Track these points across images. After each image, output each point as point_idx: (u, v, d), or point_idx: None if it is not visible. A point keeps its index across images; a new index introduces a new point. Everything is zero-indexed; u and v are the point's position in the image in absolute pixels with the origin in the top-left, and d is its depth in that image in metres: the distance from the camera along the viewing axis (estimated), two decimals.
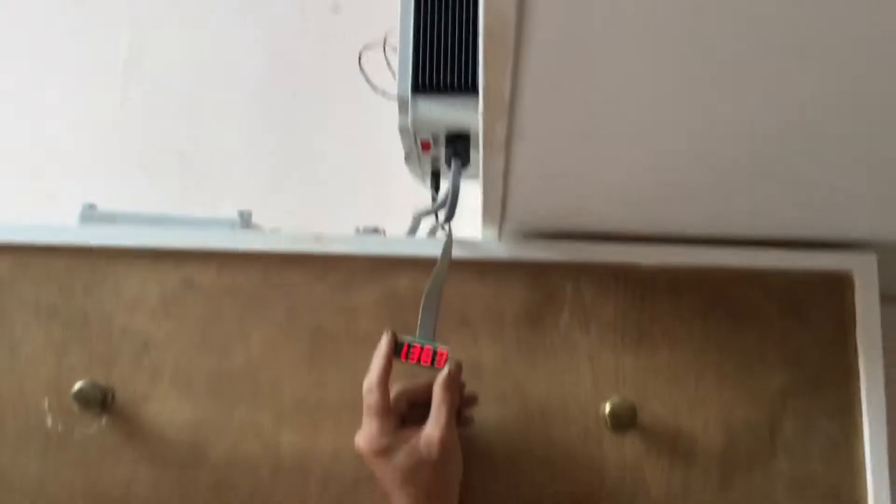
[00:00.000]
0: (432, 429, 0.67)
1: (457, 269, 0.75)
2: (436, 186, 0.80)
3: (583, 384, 0.74)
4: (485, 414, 0.74)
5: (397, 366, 0.69)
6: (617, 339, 0.74)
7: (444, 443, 0.67)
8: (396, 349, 0.69)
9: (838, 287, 0.75)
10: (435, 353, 0.69)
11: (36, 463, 0.72)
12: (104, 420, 0.73)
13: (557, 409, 0.74)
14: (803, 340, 0.74)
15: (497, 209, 0.69)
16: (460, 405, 0.71)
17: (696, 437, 0.73)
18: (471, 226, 0.77)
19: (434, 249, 0.72)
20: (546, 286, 0.76)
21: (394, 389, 0.70)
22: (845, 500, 0.72)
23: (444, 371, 0.68)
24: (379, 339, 0.69)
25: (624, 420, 0.72)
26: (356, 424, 0.69)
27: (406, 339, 0.69)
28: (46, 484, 0.72)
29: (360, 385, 0.68)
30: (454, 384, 0.68)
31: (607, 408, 0.73)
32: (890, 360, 0.73)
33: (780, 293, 0.75)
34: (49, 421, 0.73)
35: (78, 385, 0.72)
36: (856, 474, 0.72)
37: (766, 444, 0.72)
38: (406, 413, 0.71)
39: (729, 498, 0.71)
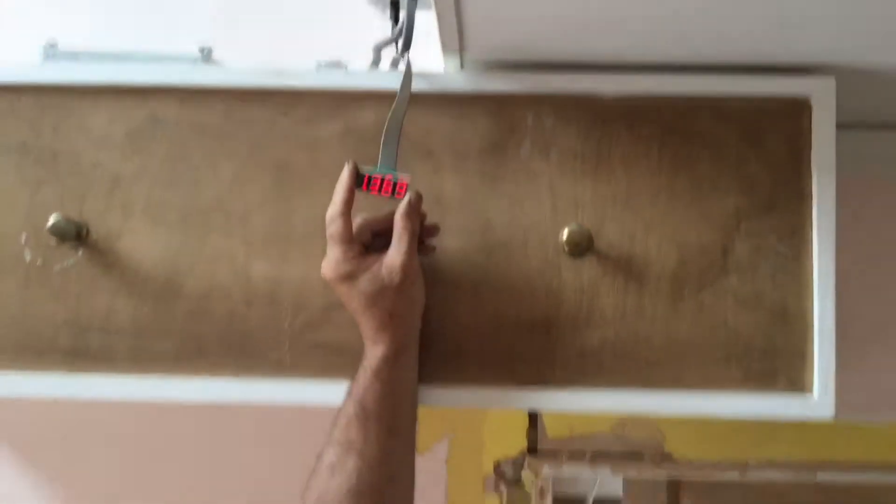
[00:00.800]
0: (394, 255, 0.70)
1: (419, 101, 0.75)
2: (395, 17, 0.80)
3: (543, 212, 0.76)
4: (448, 243, 0.76)
5: (361, 200, 0.71)
6: (576, 166, 0.76)
7: (405, 268, 0.70)
8: (358, 180, 0.71)
9: (796, 112, 0.75)
10: (395, 183, 0.71)
11: (18, 295, 0.76)
12: (81, 254, 0.76)
13: (518, 237, 0.76)
14: (758, 165, 0.75)
15: (454, 36, 0.69)
16: (422, 234, 0.74)
17: (650, 259, 0.75)
18: (439, 58, 0.77)
19: (397, 82, 0.72)
20: (507, 117, 0.76)
21: (357, 220, 0.72)
22: (792, 314, 0.75)
23: (405, 200, 0.70)
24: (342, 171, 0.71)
25: (581, 246, 0.75)
26: (324, 254, 0.71)
27: (367, 169, 0.71)
28: (29, 316, 0.76)
29: (325, 215, 0.70)
30: (414, 213, 0.71)
31: (565, 234, 0.75)
32: (841, 185, 0.75)
33: (738, 119, 0.75)
34: (28, 255, 0.76)
35: (53, 219, 0.74)
36: (803, 291, 0.75)
37: (717, 263, 0.75)
38: (370, 243, 0.73)
39: (679, 314, 0.75)
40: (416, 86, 0.73)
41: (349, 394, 0.71)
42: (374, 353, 0.71)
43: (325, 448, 0.69)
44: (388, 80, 0.76)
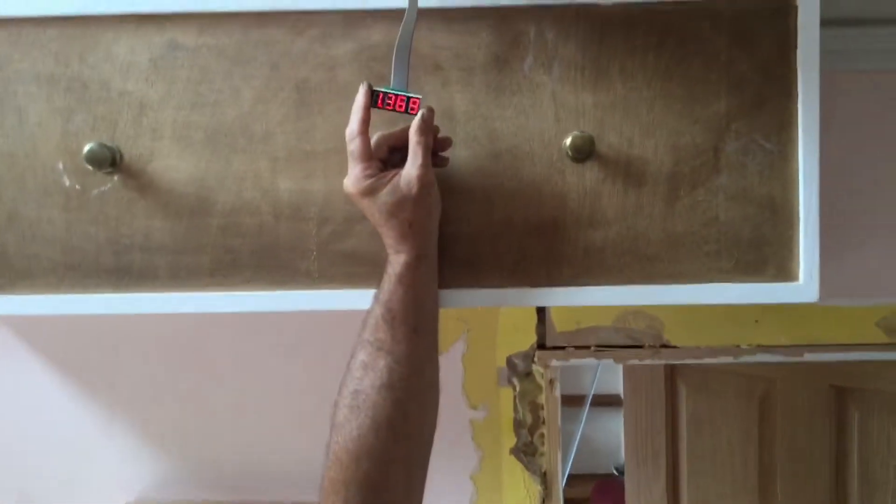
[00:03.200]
0: (410, 168, 0.75)
1: (426, 17, 0.79)
2: None
3: (547, 121, 0.81)
4: (459, 154, 0.81)
5: (377, 116, 0.76)
6: (577, 76, 0.80)
7: (422, 179, 0.74)
8: (373, 99, 0.75)
9: (783, 13, 0.79)
10: (409, 100, 0.75)
11: (60, 219, 0.81)
12: (116, 178, 0.81)
13: (524, 145, 0.81)
14: (747, 66, 0.80)
15: None
16: (435, 147, 0.79)
17: (648, 161, 0.81)
18: None
19: (404, 0, 0.75)
20: (510, 30, 0.80)
21: (374, 137, 0.77)
22: (779, 207, 0.81)
23: (418, 116, 0.75)
24: (357, 90, 0.75)
25: (584, 151, 0.80)
26: (344, 168, 0.76)
27: (381, 88, 0.75)
28: (73, 237, 0.82)
29: (344, 133, 0.75)
30: (427, 127, 0.75)
31: (569, 141, 0.80)
32: (826, 82, 0.79)
33: (728, 23, 0.79)
34: (66, 181, 0.81)
35: (88, 146, 0.79)
36: (789, 185, 0.81)
37: (709, 163, 0.81)
38: (387, 158, 0.78)
39: (675, 212, 0.81)
40: (422, 2, 0.77)
41: (376, 298, 0.76)
42: (396, 260, 0.76)
43: (357, 348, 0.75)
44: None
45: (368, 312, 0.76)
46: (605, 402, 3.04)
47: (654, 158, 0.81)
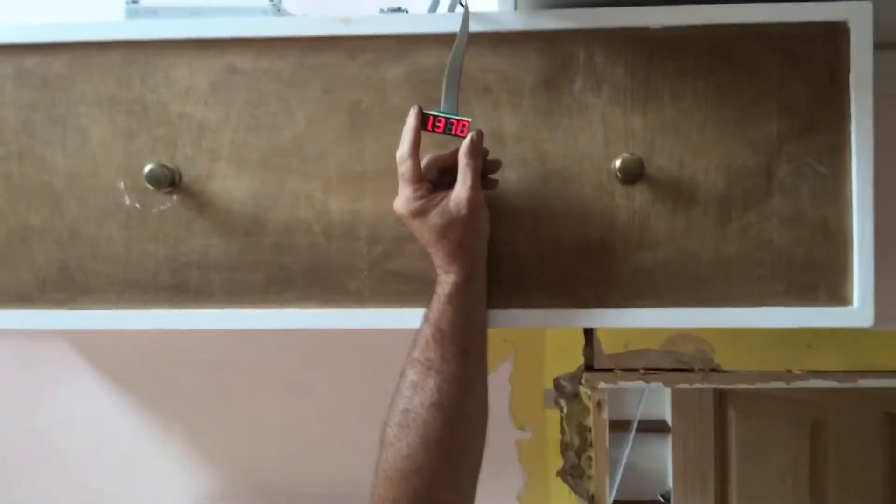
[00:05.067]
0: (460, 190, 0.76)
1: (476, 41, 0.80)
2: None
3: (596, 143, 0.81)
4: (508, 176, 0.82)
5: (427, 139, 0.77)
6: (626, 99, 0.81)
7: (471, 201, 0.75)
8: (423, 121, 0.76)
9: (834, 36, 0.79)
10: (458, 123, 0.76)
11: (120, 237, 0.84)
12: (175, 198, 0.83)
13: (573, 167, 0.82)
14: (799, 88, 0.79)
15: None
16: (484, 169, 0.80)
17: (699, 183, 0.80)
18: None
19: (455, 25, 0.77)
20: (560, 53, 0.81)
21: (424, 159, 0.78)
22: (832, 231, 0.80)
23: (467, 139, 0.76)
24: (408, 113, 0.77)
25: (633, 173, 0.80)
26: (395, 188, 0.78)
27: (432, 111, 0.76)
28: (132, 254, 0.84)
29: (395, 155, 0.76)
30: (476, 150, 0.76)
31: (618, 163, 0.80)
32: (879, 105, 0.79)
33: (779, 45, 0.79)
34: (127, 200, 0.83)
35: (148, 167, 0.81)
36: (843, 208, 0.80)
37: (761, 185, 0.80)
38: (437, 180, 0.79)
39: (726, 234, 0.81)
40: (472, 27, 0.78)
41: (426, 318, 0.77)
42: (446, 280, 0.77)
43: (406, 367, 0.76)
44: (447, 22, 0.81)
45: (418, 332, 0.77)
46: (651, 427, 2.99)
47: (704, 180, 0.81)
